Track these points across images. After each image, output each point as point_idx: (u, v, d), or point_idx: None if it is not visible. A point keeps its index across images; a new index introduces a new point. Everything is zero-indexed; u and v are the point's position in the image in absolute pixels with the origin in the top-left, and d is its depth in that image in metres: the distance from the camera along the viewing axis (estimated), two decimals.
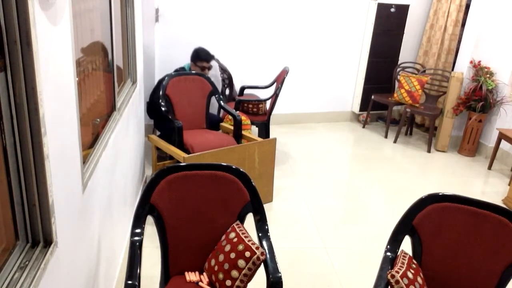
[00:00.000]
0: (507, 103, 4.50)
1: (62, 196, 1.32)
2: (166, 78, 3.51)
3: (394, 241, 1.85)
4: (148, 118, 3.98)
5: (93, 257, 1.81)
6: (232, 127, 3.62)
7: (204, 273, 1.88)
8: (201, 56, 3.82)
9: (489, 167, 4.49)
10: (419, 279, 1.66)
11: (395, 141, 5.06)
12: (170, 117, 3.35)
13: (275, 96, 4.13)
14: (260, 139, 3.48)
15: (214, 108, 4.17)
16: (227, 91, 4.44)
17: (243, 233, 1.81)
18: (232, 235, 1.82)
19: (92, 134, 1.84)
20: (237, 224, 1.88)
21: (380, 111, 5.63)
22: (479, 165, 4.59)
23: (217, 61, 4.41)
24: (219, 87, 4.44)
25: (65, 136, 1.37)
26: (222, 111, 4.15)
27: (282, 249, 2.87)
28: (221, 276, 1.75)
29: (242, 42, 4.87)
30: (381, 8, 5.11)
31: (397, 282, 1.56)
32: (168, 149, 3.25)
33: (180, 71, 3.76)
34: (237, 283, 1.70)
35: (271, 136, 4.07)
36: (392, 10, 5.17)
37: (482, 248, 1.77)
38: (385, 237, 1.90)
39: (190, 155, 3.02)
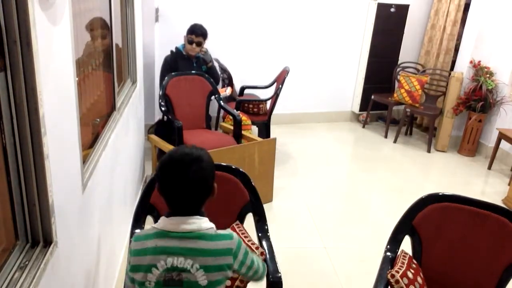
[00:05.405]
0: (507, 103, 4.50)
1: (62, 196, 1.32)
2: (166, 78, 3.52)
3: (394, 241, 1.85)
4: (149, 118, 3.98)
5: (93, 257, 1.81)
6: (232, 127, 3.62)
7: None
8: (190, 29, 3.75)
9: (489, 167, 4.49)
10: (419, 279, 1.66)
11: (395, 141, 5.05)
12: (170, 117, 3.36)
13: (275, 96, 4.13)
14: (260, 139, 3.48)
15: (214, 108, 4.16)
16: None
17: (242, 233, 1.81)
18: None
19: (92, 134, 1.84)
20: (236, 224, 1.88)
21: (380, 111, 5.63)
22: (479, 165, 4.59)
23: (217, 61, 4.41)
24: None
25: (65, 136, 1.37)
26: (222, 111, 4.15)
27: (282, 249, 2.86)
28: None
29: (242, 42, 4.88)
30: (381, 8, 5.11)
31: (397, 282, 1.56)
32: (168, 149, 3.25)
33: (175, 52, 3.79)
34: (237, 283, 1.70)
35: (271, 136, 4.06)
36: (392, 10, 5.17)
37: (482, 248, 1.77)
38: (385, 237, 1.90)
39: None
